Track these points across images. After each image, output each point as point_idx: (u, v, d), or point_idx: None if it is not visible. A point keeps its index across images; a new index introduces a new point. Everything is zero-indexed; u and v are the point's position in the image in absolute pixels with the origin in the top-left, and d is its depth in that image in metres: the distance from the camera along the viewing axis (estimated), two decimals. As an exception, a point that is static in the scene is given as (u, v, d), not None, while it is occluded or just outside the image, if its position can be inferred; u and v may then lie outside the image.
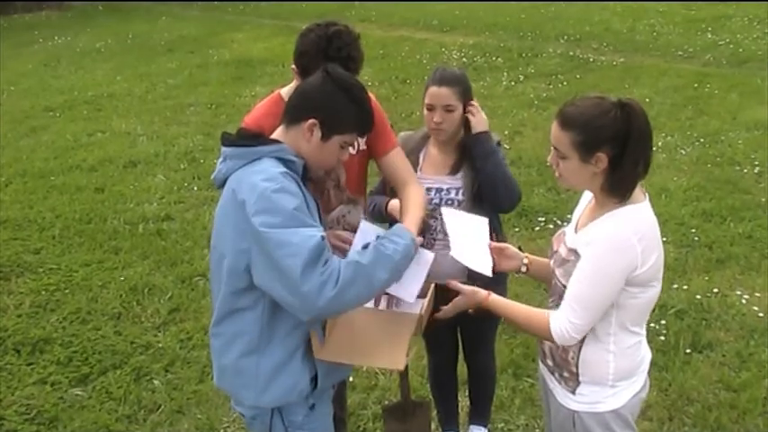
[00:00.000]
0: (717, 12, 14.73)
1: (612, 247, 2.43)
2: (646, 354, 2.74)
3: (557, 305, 2.59)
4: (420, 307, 2.82)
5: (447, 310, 2.79)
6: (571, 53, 12.70)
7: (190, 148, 9.16)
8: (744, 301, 5.28)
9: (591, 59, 12.29)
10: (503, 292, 3.58)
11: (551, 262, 2.71)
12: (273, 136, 2.57)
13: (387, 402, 4.42)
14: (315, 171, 2.63)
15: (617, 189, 2.46)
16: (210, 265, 2.66)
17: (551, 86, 10.90)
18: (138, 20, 19.86)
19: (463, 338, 3.90)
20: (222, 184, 2.53)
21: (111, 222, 7.25)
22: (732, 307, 5.23)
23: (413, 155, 3.49)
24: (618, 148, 2.39)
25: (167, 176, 8.30)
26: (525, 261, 2.87)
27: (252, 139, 2.53)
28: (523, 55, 12.73)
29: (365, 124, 2.58)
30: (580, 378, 2.64)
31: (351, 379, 4.70)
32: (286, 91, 3.25)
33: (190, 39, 16.37)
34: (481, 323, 3.66)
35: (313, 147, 2.52)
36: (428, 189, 3.41)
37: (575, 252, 2.52)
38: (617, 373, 2.62)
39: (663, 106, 9.60)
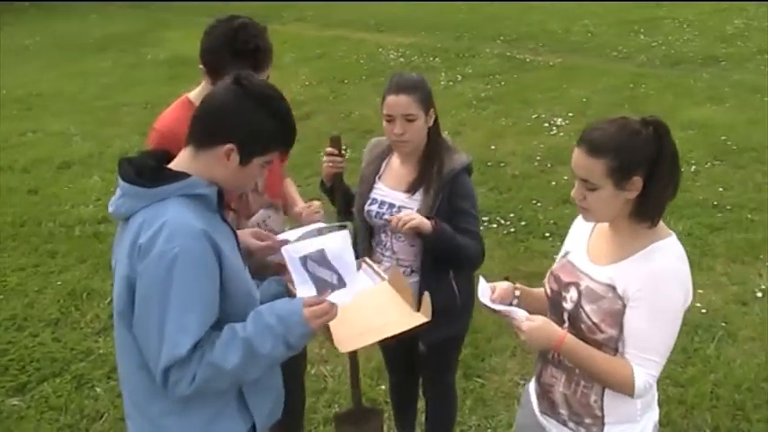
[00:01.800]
0: (648, 14, 14.98)
1: (675, 284, 2.31)
2: None
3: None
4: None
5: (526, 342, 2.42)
6: (508, 53, 12.79)
7: (126, 149, 8.93)
8: (687, 299, 5.34)
9: (528, 60, 12.39)
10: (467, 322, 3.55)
11: (567, 295, 2.48)
12: (180, 160, 2.25)
13: (338, 409, 4.36)
14: (231, 194, 2.38)
15: (649, 213, 2.32)
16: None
17: (489, 86, 10.95)
18: (68, 17, 19.41)
19: (420, 366, 3.70)
20: (125, 219, 2.22)
21: (46, 225, 7.05)
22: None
23: (375, 162, 3.35)
24: (649, 170, 2.26)
25: (103, 178, 8.10)
26: (517, 293, 2.62)
27: (154, 175, 2.18)
28: (461, 55, 12.77)
29: (288, 140, 2.28)
30: (606, 420, 2.49)
31: (300, 383, 4.64)
32: (195, 95, 3.14)
33: (122, 37, 16.03)
34: (440, 350, 3.48)
35: (231, 172, 2.21)
36: (381, 203, 3.25)
37: (611, 288, 2.35)
38: (643, 407, 2.51)
39: (600, 106, 9.71)
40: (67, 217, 7.14)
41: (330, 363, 4.87)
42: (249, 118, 2.18)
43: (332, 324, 2.39)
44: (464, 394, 4.48)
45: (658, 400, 4.20)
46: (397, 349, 3.71)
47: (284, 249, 2.48)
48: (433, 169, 3.15)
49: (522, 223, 6.67)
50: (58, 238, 6.74)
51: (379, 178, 3.32)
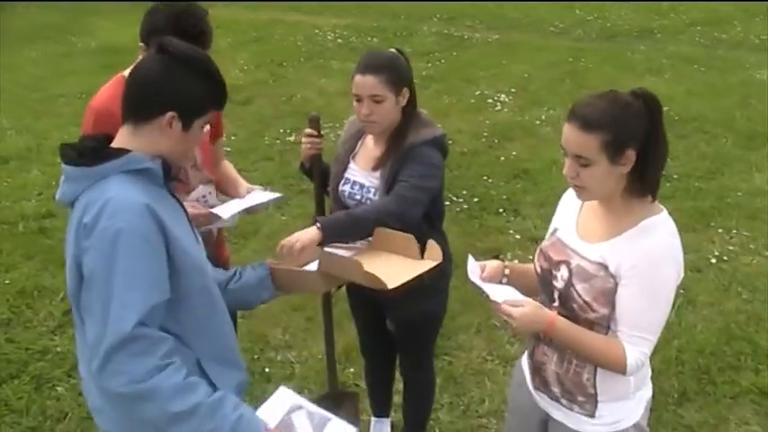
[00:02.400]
0: (581, -13, 15.14)
1: (668, 261, 2.29)
2: None
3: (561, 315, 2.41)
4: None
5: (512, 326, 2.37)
6: (446, 31, 12.77)
7: (64, 141, 8.66)
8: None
9: (466, 37, 12.40)
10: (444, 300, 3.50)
11: (557, 273, 2.45)
12: (120, 139, 2.23)
13: (309, 394, 4.30)
14: (179, 163, 2.36)
15: (647, 186, 2.30)
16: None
17: (430, 65, 10.91)
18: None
19: (398, 349, 3.66)
20: (69, 205, 2.22)
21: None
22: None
23: (350, 141, 3.28)
24: (643, 143, 2.23)
25: (43, 171, 7.81)
26: (506, 272, 2.58)
27: (95, 154, 2.17)
28: (399, 34, 12.70)
29: (221, 97, 2.29)
30: (599, 398, 2.46)
31: (267, 370, 4.57)
32: (130, 71, 3.10)
33: (50, 26, 15.48)
34: (411, 329, 3.48)
35: (175, 140, 2.22)
36: (353, 183, 3.19)
37: (603, 266, 2.32)
38: (636, 384, 2.48)
39: (542, 81, 9.78)
40: (9, 213, 6.87)
41: (295, 348, 4.80)
42: (182, 83, 2.19)
43: (366, 265, 2.56)
44: (433, 373, 4.47)
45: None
46: (372, 331, 3.67)
47: None
48: (396, 145, 3.06)
49: (475, 200, 6.67)
50: (0, 235, 6.50)
51: (354, 158, 3.25)
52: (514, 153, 7.55)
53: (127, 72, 3.01)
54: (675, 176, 6.94)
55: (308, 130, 3.25)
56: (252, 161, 7.92)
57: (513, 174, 7.11)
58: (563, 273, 2.41)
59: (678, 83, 9.58)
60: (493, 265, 2.56)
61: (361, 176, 3.18)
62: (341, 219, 2.98)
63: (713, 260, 5.55)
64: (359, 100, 3.02)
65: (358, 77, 3.00)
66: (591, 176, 2.26)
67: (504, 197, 6.67)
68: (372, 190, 3.11)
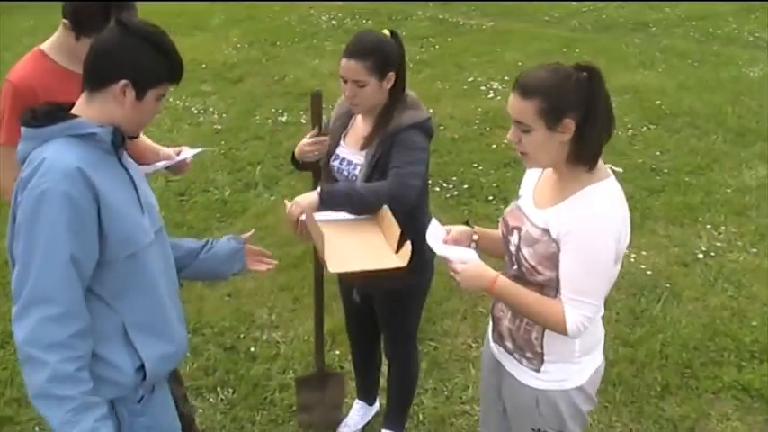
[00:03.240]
0: (578, -21, 15.10)
1: (604, 227, 2.34)
2: (602, 329, 2.72)
3: (516, 277, 2.53)
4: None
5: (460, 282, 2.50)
6: (440, 16, 12.73)
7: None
8: (632, 260, 5.43)
9: (460, 23, 12.36)
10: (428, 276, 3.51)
11: (511, 238, 2.56)
12: (76, 107, 2.31)
13: (293, 375, 4.30)
14: (132, 133, 2.42)
15: (585, 157, 2.37)
16: None
17: (424, 49, 10.88)
18: None
19: (380, 326, 3.67)
20: (22, 162, 2.29)
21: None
22: (621, 266, 5.33)
23: (342, 119, 3.32)
24: (583, 113, 2.30)
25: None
26: (475, 238, 2.71)
27: (46, 118, 2.26)
28: (393, 18, 12.65)
29: (176, 70, 2.36)
30: (545, 357, 2.57)
31: (252, 350, 4.56)
32: (48, 46, 3.10)
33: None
34: (399, 306, 3.49)
35: (128, 108, 2.29)
36: (342, 159, 3.24)
37: (546, 231, 2.41)
38: (582, 349, 2.57)
39: (535, 70, 9.75)
40: None
41: (281, 328, 4.79)
42: (137, 54, 2.25)
43: (325, 244, 2.70)
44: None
45: (611, 360, 4.34)
46: (358, 311, 3.67)
47: None
48: (382, 125, 3.11)
49: (465, 186, 6.67)
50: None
51: (344, 136, 3.30)
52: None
53: (43, 46, 3.09)
54: (666, 170, 6.96)
55: (321, 138, 3.26)
56: (242, 140, 7.88)
57: (504, 162, 7.10)
58: (515, 238, 2.53)
59: (671, 77, 9.58)
60: (459, 229, 2.69)
61: (349, 154, 3.24)
62: (342, 191, 3.04)
63: (700, 255, 5.57)
64: (345, 81, 3.08)
65: (343, 61, 3.06)
66: (531, 142, 2.36)
67: (494, 185, 6.66)
68: (359, 167, 3.18)
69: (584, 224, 2.33)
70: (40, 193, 2.12)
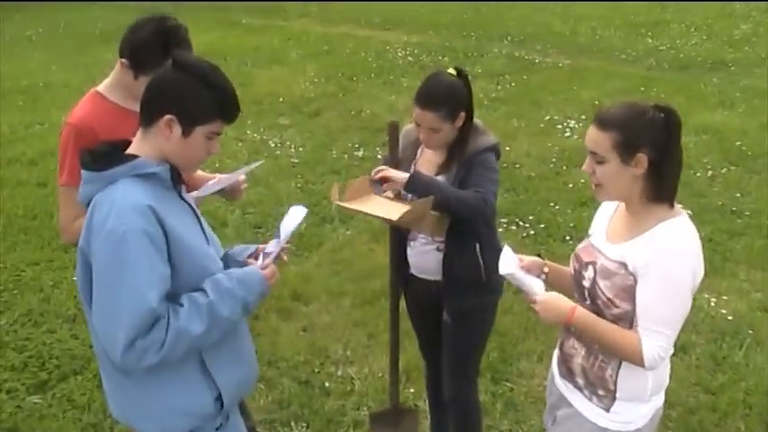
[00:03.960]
0: (655, 17, 14.97)
1: (682, 259, 2.42)
2: (669, 369, 2.74)
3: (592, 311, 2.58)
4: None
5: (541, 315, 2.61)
6: (516, 54, 12.74)
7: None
8: (712, 304, 5.32)
9: (536, 60, 12.35)
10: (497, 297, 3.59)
11: (585, 273, 2.61)
12: (133, 144, 2.36)
13: (367, 411, 4.30)
14: (182, 170, 2.42)
15: (665, 194, 2.47)
16: None
17: (500, 87, 10.89)
18: (70, 8, 19.19)
19: (444, 362, 3.67)
20: (86, 205, 2.35)
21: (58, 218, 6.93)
22: (701, 310, 5.25)
23: (410, 148, 3.47)
24: (657, 151, 2.40)
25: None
26: (545, 270, 2.78)
27: (106, 159, 2.30)
28: (469, 54, 12.71)
29: (227, 109, 2.35)
30: (618, 394, 2.61)
31: (326, 384, 4.58)
32: (105, 87, 3.17)
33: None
34: (464, 321, 3.50)
35: (175, 145, 2.30)
36: None
37: (623, 265, 2.48)
38: (653, 387, 2.62)
39: (612, 109, 9.67)
40: (80, 210, 7.04)
41: (356, 364, 4.81)
42: (185, 89, 2.28)
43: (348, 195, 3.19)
44: (493, 398, 4.44)
45: (691, 407, 4.25)
46: (430, 327, 3.67)
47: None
48: (459, 152, 3.30)
49: (541, 226, 6.63)
50: (69, 233, 6.64)
51: (415, 165, 3.44)
52: (582, 180, 7.47)
53: (100, 88, 3.16)
54: (747, 213, 6.80)
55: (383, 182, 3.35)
56: (318, 174, 7.98)
57: (581, 201, 7.03)
58: (590, 272, 2.59)
59: (752, 117, 9.39)
60: (531, 260, 2.76)
61: None
62: (430, 183, 3.19)
63: (784, 301, 5.43)
64: (418, 125, 3.27)
65: (417, 110, 3.22)
66: (604, 174, 2.46)
67: (571, 224, 6.60)
68: None
69: (662, 256, 2.41)
70: (120, 234, 2.16)
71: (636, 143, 2.39)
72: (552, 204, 7.05)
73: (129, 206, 2.19)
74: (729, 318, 5.20)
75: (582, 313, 2.54)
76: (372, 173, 3.25)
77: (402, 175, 3.20)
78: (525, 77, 11.41)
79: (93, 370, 4.70)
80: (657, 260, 2.40)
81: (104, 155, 2.32)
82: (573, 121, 9.27)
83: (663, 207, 2.48)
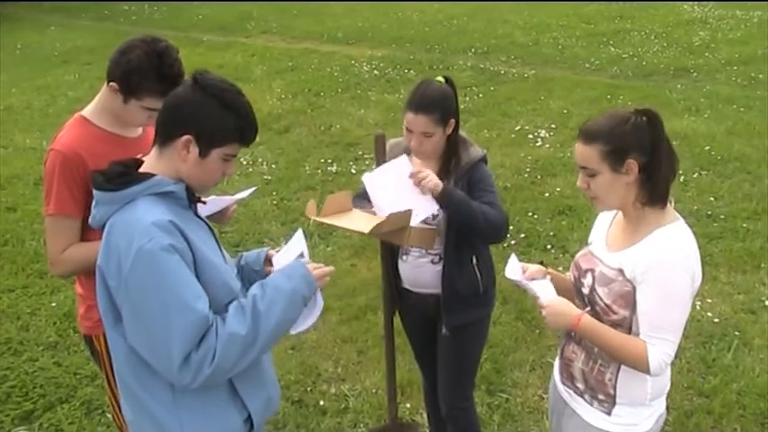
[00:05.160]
0: (615, 26, 15.10)
1: (680, 265, 2.44)
2: (669, 374, 2.75)
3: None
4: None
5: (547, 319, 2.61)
6: (481, 66, 12.78)
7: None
8: (697, 308, 5.35)
9: (502, 72, 12.40)
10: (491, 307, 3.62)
11: (584, 280, 2.65)
12: (147, 163, 2.32)
13: (364, 429, 4.26)
14: (196, 191, 2.37)
15: (656, 196, 2.49)
16: None
17: (468, 98, 10.90)
18: (26, 30, 18.92)
19: (440, 377, 3.65)
20: (101, 227, 2.28)
21: (30, 244, 6.83)
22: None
23: None
24: (646, 155, 2.44)
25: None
26: (548, 278, 2.78)
27: (121, 179, 2.26)
28: (435, 67, 12.72)
29: (246, 132, 2.32)
30: (617, 399, 2.63)
31: (321, 403, 4.53)
32: (90, 112, 3.06)
33: (85, 49, 15.63)
34: (463, 335, 3.49)
35: (191, 165, 2.27)
36: None
37: (620, 272, 2.52)
38: (653, 393, 2.64)
39: (581, 117, 9.70)
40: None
41: (348, 381, 4.76)
42: (204, 109, 2.23)
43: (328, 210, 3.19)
44: (490, 410, 4.42)
45: (686, 411, 4.27)
46: (428, 339, 3.64)
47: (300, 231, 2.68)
48: (451, 164, 3.31)
49: (522, 236, 6.64)
50: (44, 257, 6.49)
51: None
52: (558, 189, 7.51)
53: (84, 112, 3.05)
54: (722, 216, 6.88)
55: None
56: (293, 190, 7.93)
57: (558, 210, 7.07)
58: (588, 279, 2.63)
59: (718, 122, 9.51)
60: (535, 268, 2.78)
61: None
62: (461, 199, 3.18)
63: (767, 302, 5.47)
64: (410, 131, 3.24)
65: (410, 116, 3.21)
66: (599, 186, 2.50)
67: (551, 233, 6.62)
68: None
69: (660, 262, 2.43)
70: (150, 252, 2.10)
71: (624, 150, 2.43)
72: (531, 214, 7.07)
73: (153, 223, 2.14)
74: (715, 320, 5.24)
75: (588, 320, 2.54)
76: (413, 171, 3.17)
77: (437, 182, 3.15)
78: (493, 89, 11.45)
79: (81, 398, 4.61)
80: (656, 267, 2.42)
81: (119, 175, 2.27)
82: (543, 131, 9.31)
83: (657, 210, 2.51)
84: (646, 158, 2.43)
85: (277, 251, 2.65)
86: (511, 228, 6.61)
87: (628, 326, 2.52)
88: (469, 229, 3.22)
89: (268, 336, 2.26)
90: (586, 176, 2.51)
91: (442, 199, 3.16)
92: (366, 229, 3.03)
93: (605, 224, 2.76)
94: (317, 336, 5.22)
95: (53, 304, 5.72)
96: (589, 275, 2.63)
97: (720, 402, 4.40)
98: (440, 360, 3.61)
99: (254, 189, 3.51)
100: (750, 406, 4.39)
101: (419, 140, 3.22)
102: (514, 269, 2.75)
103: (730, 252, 6.23)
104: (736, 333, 5.12)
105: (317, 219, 3.21)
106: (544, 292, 2.66)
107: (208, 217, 3.27)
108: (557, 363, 2.92)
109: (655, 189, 2.48)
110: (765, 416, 4.32)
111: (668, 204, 2.54)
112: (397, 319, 3.72)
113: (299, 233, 2.63)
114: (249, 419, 2.41)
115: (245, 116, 2.29)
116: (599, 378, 2.64)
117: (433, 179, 3.13)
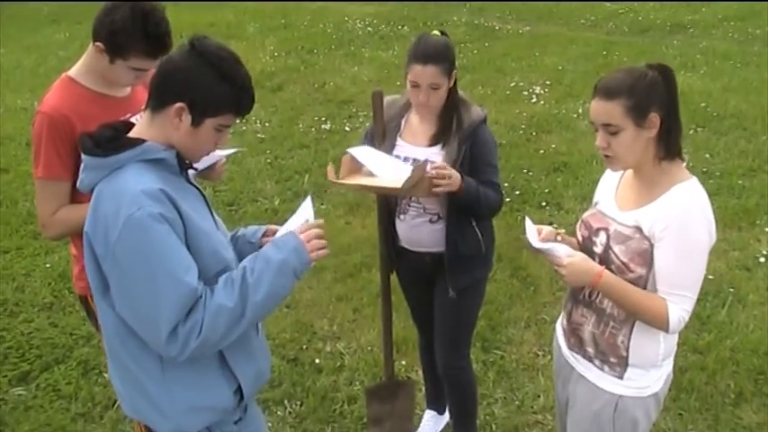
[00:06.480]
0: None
1: (698, 221, 2.41)
2: None
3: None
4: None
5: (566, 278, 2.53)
6: (476, 22, 12.68)
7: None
8: (693, 265, 5.34)
9: (497, 28, 12.31)
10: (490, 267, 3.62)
11: (596, 239, 2.61)
12: (137, 128, 2.23)
13: (359, 386, 4.27)
14: (187, 159, 2.30)
15: (674, 149, 2.47)
16: None
17: (462, 55, 10.81)
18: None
19: (437, 334, 3.65)
20: (90, 191, 2.21)
21: (24, 205, 6.79)
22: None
23: (394, 121, 3.39)
24: (664, 109, 2.41)
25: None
26: (559, 239, 2.73)
27: (110, 144, 2.17)
28: (429, 23, 12.62)
29: (241, 103, 2.22)
30: (630, 361, 2.60)
31: (316, 361, 4.54)
32: (76, 72, 2.99)
33: (75, 8, 15.47)
34: (466, 294, 3.49)
35: (183, 134, 2.19)
36: (405, 158, 3.28)
37: (638, 229, 2.47)
38: (665, 352, 2.61)
39: (576, 74, 9.69)
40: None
41: (343, 339, 4.77)
42: (199, 78, 2.15)
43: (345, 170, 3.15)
44: (485, 366, 4.43)
45: (681, 366, 4.28)
46: (425, 302, 3.64)
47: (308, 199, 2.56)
48: (452, 123, 3.25)
49: (517, 192, 6.62)
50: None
51: (400, 136, 3.37)
52: (553, 146, 7.48)
53: (71, 72, 2.99)
54: (718, 173, 6.87)
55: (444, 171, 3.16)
56: (287, 148, 7.89)
57: (554, 167, 7.05)
58: (602, 238, 2.58)
59: (714, 79, 9.47)
60: (548, 229, 2.72)
61: (414, 151, 3.30)
62: (473, 191, 3.16)
63: (762, 259, 5.48)
64: (415, 86, 3.16)
65: (418, 67, 3.11)
66: (620, 144, 2.44)
67: (546, 190, 6.61)
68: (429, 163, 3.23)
69: (680, 218, 2.40)
70: (139, 220, 2.04)
71: (646, 105, 2.38)
72: (526, 171, 7.05)
73: (144, 192, 2.07)
74: (710, 277, 5.24)
75: (609, 275, 2.49)
76: (428, 167, 3.04)
77: (458, 176, 3.08)
78: (487, 45, 11.36)
79: (77, 358, 4.61)
80: (676, 224, 2.39)
81: (108, 139, 2.20)
82: (538, 87, 9.26)
83: (675, 164, 2.48)
84: (664, 112, 2.41)
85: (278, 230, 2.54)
86: (506, 185, 6.71)
87: (643, 285, 2.48)
88: (468, 209, 3.23)
89: (256, 308, 2.18)
90: (607, 134, 2.44)
91: (458, 194, 3.11)
92: (398, 184, 2.98)
93: (612, 185, 2.71)
94: (311, 294, 5.22)
95: (48, 265, 5.70)
96: (602, 234, 2.59)
97: (714, 359, 4.42)
98: (438, 320, 3.60)
99: (239, 149, 3.45)
100: (744, 362, 4.40)
101: (427, 94, 3.14)
102: (532, 232, 2.68)
103: (726, 209, 6.21)
104: (731, 290, 5.13)
105: (342, 182, 3.16)
106: (564, 251, 2.60)
107: (200, 176, 3.27)
108: (560, 327, 2.90)
109: (673, 143, 2.46)
110: (759, 372, 4.34)
111: (680, 164, 2.51)
112: (392, 277, 3.70)
113: (308, 201, 2.53)
114: (239, 391, 2.38)
115: (241, 86, 2.20)
116: (610, 341, 2.61)
117: (455, 182, 3.06)
